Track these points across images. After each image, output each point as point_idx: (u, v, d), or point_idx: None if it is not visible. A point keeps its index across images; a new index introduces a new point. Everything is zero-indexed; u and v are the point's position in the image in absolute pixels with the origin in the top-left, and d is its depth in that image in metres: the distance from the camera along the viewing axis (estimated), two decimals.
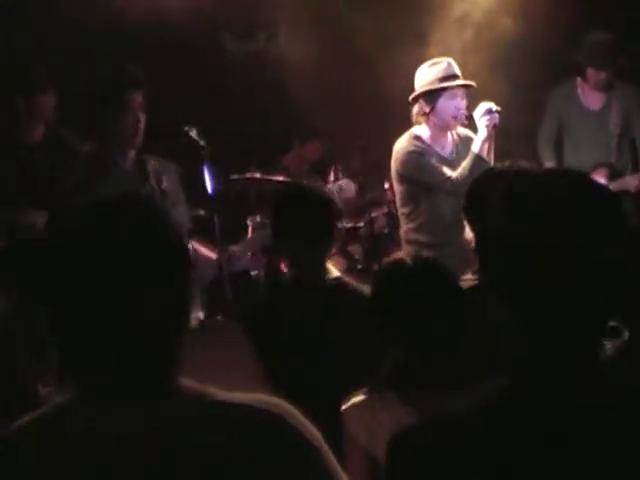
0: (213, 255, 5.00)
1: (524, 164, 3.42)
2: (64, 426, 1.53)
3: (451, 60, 4.96)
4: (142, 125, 4.45)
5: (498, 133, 4.88)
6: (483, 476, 1.47)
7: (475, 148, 4.79)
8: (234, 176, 5.99)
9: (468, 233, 4.46)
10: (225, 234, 4.88)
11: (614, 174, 6.01)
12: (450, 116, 4.86)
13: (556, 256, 1.46)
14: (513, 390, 1.50)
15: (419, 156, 4.87)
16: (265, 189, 5.92)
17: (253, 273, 5.88)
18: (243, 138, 6.67)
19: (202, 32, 6.66)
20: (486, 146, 4.82)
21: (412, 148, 4.89)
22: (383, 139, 5.27)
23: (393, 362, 2.70)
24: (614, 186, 5.58)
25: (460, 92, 4.88)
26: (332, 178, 6.51)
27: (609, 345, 2.45)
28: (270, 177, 6.08)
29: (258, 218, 5.92)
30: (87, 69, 5.41)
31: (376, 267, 5.49)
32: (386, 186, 5.96)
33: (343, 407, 2.68)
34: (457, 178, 4.77)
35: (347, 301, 3.29)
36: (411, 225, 5.00)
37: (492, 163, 4.74)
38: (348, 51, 6.66)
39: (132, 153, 4.51)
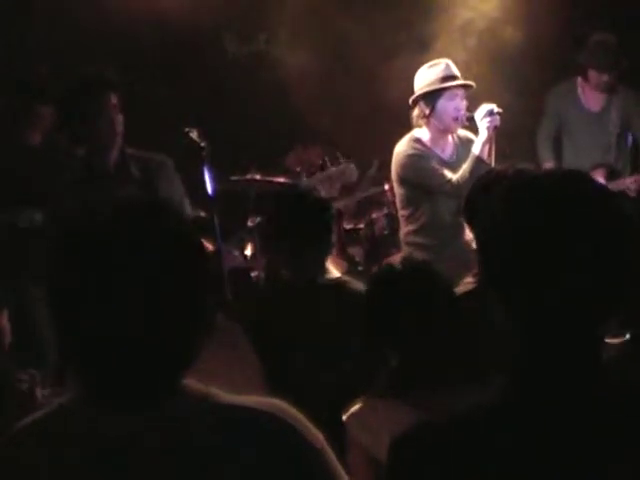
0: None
1: (523, 165, 3.42)
2: (66, 426, 1.54)
3: (449, 61, 4.96)
4: (118, 126, 4.42)
5: (499, 135, 4.87)
6: (484, 477, 1.46)
7: (476, 150, 4.79)
8: (234, 177, 5.99)
9: (468, 235, 4.46)
10: (225, 235, 4.88)
11: (613, 175, 6.01)
12: (450, 117, 4.86)
13: (555, 256, 1.46)
14: (513, 391, 1.51)
15: (419, 159, 4.86)
16: (265, 190, 5.91)
17: (253, 274, 5.88)
18: (243, 139, 6.67)
19: (202, 34, 6.66)
20: (487, 148, 4.81)
21: (412, 151, 4.88)
22: (384, 142, 5.27)
23: (392, 364, 2.70)
24: (612, 187, 5.58)
25: (460, 92, 4.88)
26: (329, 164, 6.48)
27: (611, 344, 2.46)
28: (270, 179, 6.08)
29: (258, 219, 5.92)
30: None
31: (377, 267, 5.49)
32: (386, 187, 5.96)
33: (345, 410, 2.68)
34: (457, 180, 4.77)
35: (346, 300, 3.29)
36: (410, 227, 5.00)
37: (493, 165, 4.74)
38: (349, 59, 6.67)
39: (113, 154, 4.49)
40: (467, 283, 3.37)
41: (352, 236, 6.13)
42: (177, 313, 1.51)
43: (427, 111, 4.86)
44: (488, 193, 3.32)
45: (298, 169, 6.58)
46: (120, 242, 1.49)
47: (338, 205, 5.22)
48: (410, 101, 4.93)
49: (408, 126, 4.98)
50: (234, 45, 7.08)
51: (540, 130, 6.29)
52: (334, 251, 3.77)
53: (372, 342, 2.79)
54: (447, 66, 4.91)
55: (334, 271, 3.50)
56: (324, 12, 6.63)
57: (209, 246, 4.86)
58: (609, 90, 6.08)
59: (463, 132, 5.00)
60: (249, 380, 2.69)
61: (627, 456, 1.45)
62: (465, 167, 4.78)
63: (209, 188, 4.36)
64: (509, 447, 1.46)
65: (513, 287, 1.50)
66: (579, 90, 6.18)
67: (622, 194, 5.75)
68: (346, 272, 5.18)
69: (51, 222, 4.50)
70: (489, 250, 1.56)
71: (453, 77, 4.90)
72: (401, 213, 5.07)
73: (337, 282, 3.43)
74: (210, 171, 4.41)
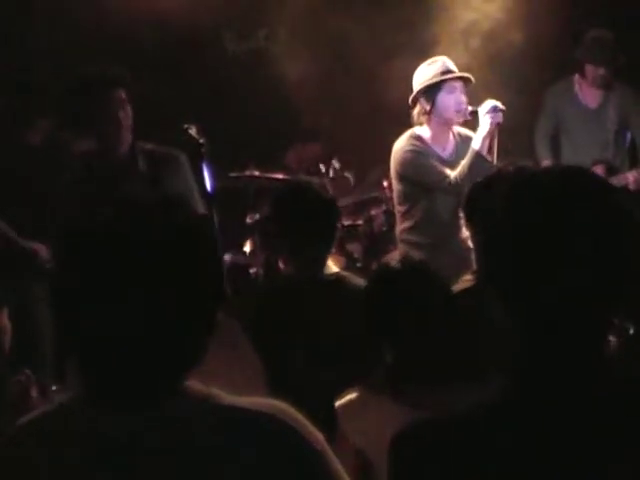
0: None
1: (524, 163, 3.43)
2: (66, 426, 1.54)
3: (446, 58, 4.95)
4: (126, 121, 4.43)
5: (501, 132, 4.86)
6: (484, 476, 1.47)
7: (475, 145, 4.76)
8: (233, 174, 5.99)
9: (464, 233, 4.46)
10: (224, 232, 4.88)
11: (611, 171, 6.02)
12: (452, 110, 4.83)
13: (554, 252, 1.47)
14: (513, 389, 1.51)
15: (418, 155, 4.85)
16: (264, 187, 5.92)
17: (251, 270, 5.89)
18: (242, 136, 6.67)
19: (202, 31, 6.65)
20: (486, 143, 4.77)
21: (411, 147, 4.87)
22: (383, 141, 5.27)
23: (388, 360, 2.72)
24: (613, 182, 5.59)
25: (459, 85, 4.86)
26: (331, 174, 6.50)
27: (614, 340, 2.46)
28: (269, 175, 6.08)
29: (257, 216, 5.93)
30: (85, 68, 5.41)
31: (375, 265, 5.51)
32: (385, 184, 5.96)
33: (336, 404, 2.70)
34: (456, 177, 4.75)
35: (346, 295, 3.29)
36: (406, 224, 4.99)
37: (495, 162, 4.73)
38: (349, 57, 6.66)
39: (121, 150, 4.50)
40: (465, 281, 3.38)
41: (351, 232, 6.13)
42: (178, 313, 1.50)
43: (428, 107, 4.84)
44: (489, 191, 3.33)
45: (295, 166, 6.60)
46: (120, 241, 1.49)
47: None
48: (410, 100, 4.91)
49: (408, 125, 4.96)
50: (233, 42, 7.08)
51: (538, 129, 6.29)
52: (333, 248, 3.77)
53: (371, 340, 2.80)
54: (444, 62, 4.90)
55: (333, 266, 3.50)
56: (324, 10, 6.63)
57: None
58: (606, 86, 6.08)
59: (464, 130, 4.98)
60: (249, 380, 2.68)
61: (627, 456, 1.45)
62: (464, 163, 4.77)
63: (208, 185, 4.35)
64: (509, 446, 1.46)
65: (512, 284, 1.50)
66: (576, 87, 6.19)
67: (623, 189, 5.75)
68: (344, 268, 5.19)
69: (51, 222, 4.50)
70: (489, 247, 1.56)
71: (451, 72, 4.88)
72: (398, 209, 5.07)
73: (337, 278, 3.42)
74: (209, 168, 4.40)
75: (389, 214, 5.96)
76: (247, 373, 2.73)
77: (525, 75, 6.48)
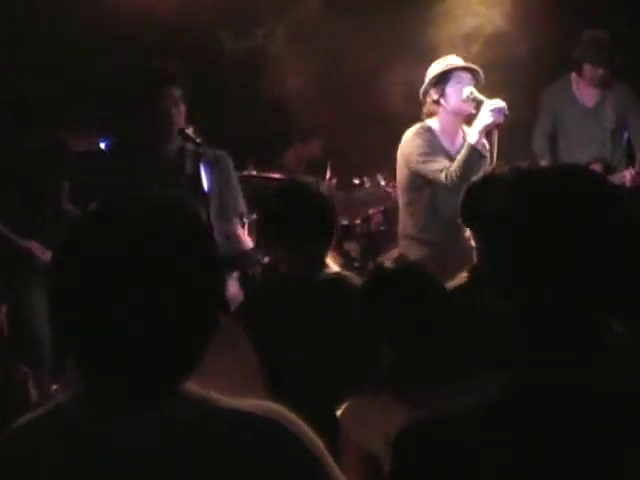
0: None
1: (523, 163, 3.44)
2: (66, 426, 1.54)
3: (456, 56, 5.05)
4: (178, 119, 4.50)
5: (500, 133, 4.87)
6: (484, 475, 1.47)
7: (471, 139, 4.79)
8: None
9: (468, 231, 4.46)
10: None
11: (609, 169, 6.03)
12: (459, 100, 4.91)
13: (553, 252, 1.47)
14: (513, 388, 1.51)
15: (423, 143, 4.91)
16: (262, 187, 5.91)
17: (250, 270, 5.88)
18: (241, 136, 6.67)
19: (200, 30, 6.65)
20: (482, 138, 4.81)
21: (419, 136, 4.94)
22: (383, 140, 5.28)
23: (388, 360, 2.72)
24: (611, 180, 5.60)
25: (467, 77, 4.95)
26: (328, 175, 6.51)
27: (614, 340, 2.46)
28: (267, 175, 6.08)
29: (254, 215, 5.91)
30: (86, 68, 5.43)
31: (372, 265, 5.51)
32: (382, 183, 5.97)
33: (338, 406, 2.70)
34: (451, 171, 4.77)
35: (346, 295, 3.28)
36: (409, 219, 5.01)
37: (494, 159, 4.75)
38: (349, 56, 6.66)
39: (170, 147, 4.55)
40: (459, 278, 3.39)
41: (348, 232, 6.14)
42: (178, 313, 1.50)
43: (436, 96, 4.96)
44: (487, 191, 3.34)
45: (294, 166, 6.59)
46: (121, 241, 1.49)
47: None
48: (421, 93, 5.00)
49: (408, 126, 5.01)
50: (232, 42, 7.08)
51: (536, 128, 6.31)
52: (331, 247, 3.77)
53: (369, 341, 2.80)
54: (454, 58, 5.04)
55: (333, 266, 3.50)
56: (324, 10, 6.63)
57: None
58: (603, 85, 6.11)
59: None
60: (248, 380, 2.69)
61: (627, 456, 1.45)
62: (459, 157, 4.80)
63: (205, 185, 4.35)
64: (509, 446, 1.46)
65: (512, 283, 1.51)
66: (574, 86, 6.21)
67: (620, 187, 5.76)
68: (342, 268, 5.19)
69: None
70: (489, 246, 1.56)
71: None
72: (402, 200, 5.09)
73: (336, 277, 3.42)
74: (206, 167, 4.40)
75: (387, 213, 5.97)
76: (247, 373, 2.73)
77: (524, 77, 6.49)
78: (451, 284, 3.27)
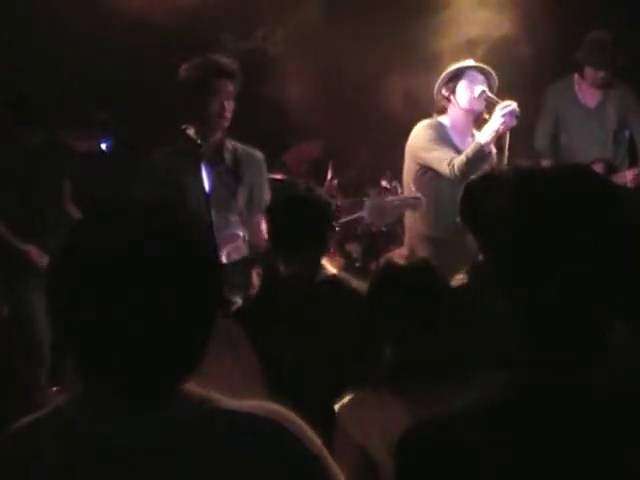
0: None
1: (525, 163, 3.44)
2: (66, 426, 1.54)
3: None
4: (228, 112, 4.66)
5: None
6: (484, 475, 1.47)
7: (481, 138, 4.81)
8: None
9: None
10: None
11: (611, 169, 6.03)
12: (470, 98, 4.96)
13: (553, 252, 1.47)
14: (513, 388, 1.51)
15: (433, 132, 4.96)
16: None
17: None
18: (240, 136, 6.66)
19: (199, 30, 6.65)
20: (493, 141, 4.83)
21: (429, 127, 5.00)
22: (383, 139, 5.28)
23: (388, 358, 2.72)
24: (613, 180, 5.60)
25: (480, 78, 5.00)
26: (330, 176, 6.50)
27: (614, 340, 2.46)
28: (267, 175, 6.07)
29: None
30: (86, 68, 5.43)
31: (374, 265, 5.51)
32: (383, 183, 5.96)
33: (337, 403, 2.70)
34: (455, 163, 4.79)
35: (343, 297, 3.29)
36: (417, 219, 5.03)
37: (505, 162, 4.76)
38: (349, 55, 6.66)
39: (216, 137, 4.68)
40: (459, 278, 3.39)
41: (350, 232, 6.13)
42: (178, 314, 1.50)
43: (447, 93, 5.02)
44: (487, 191, 3.34)
45: (294, 167, 6.59)
46: (121, 242, 1.49)
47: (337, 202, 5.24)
48: (435, 91, 5.04)
49: (409, 128, 5.03)
50: (232, 43, 7.08)
51: (538, 128, 6.31)
52: (331, 248, 3.77)
53: (371, 339, 2.80)
54: (468, 60, 5.10)
55: (330, 268, 3.50)
56: (325, 12, 6.63)
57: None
58: (605, 86, 6.12)
59: None
60: (248, 380, 2.69)
61: (627, 456, 1.45)
62: (466, 151, 4.82)
63: (206, 185, 4.35)
64: (509, 445, 1.46)
65: (512, 283, 1.51)
66: (576, 87, 6.21)
67: (622, 188, 5.76)
68: (343, 268, 5.19)
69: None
70: (489, 246, 1.56)
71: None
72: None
73: (334, 279, 3.43)
74: (207, 168, 4.41)
75: None
76: (247, 374, 2.73)
77: (524, 77, 6.48)
78: (451, 284, 3.27)
